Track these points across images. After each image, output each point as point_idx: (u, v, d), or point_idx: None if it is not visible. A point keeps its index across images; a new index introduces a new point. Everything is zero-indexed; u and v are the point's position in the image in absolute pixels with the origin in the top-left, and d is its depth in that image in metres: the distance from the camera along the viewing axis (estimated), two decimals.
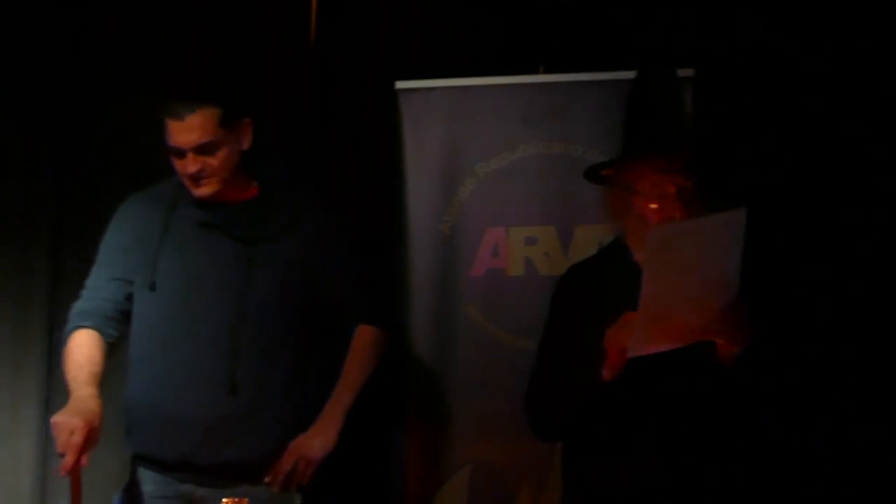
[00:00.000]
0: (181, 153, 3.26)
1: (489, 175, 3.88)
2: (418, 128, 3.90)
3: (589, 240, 3.76)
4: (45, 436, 4.05)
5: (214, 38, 4.19)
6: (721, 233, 2.75)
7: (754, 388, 2.88)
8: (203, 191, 3.30)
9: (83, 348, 3.30)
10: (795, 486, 3.63)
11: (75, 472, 3.08)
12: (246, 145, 3.34)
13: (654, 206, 2.91)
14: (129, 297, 3.37)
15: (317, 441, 3.26)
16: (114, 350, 3.37)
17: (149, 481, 3.33)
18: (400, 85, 3.92)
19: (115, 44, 4.21)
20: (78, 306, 3.39)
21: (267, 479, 3.25)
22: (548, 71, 3.91)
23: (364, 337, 3.40)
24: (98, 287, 3.40)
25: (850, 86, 3.88)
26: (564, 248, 3.80)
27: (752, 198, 3.03)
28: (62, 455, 3.07)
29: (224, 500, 2.66)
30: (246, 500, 2.68)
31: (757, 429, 2.97)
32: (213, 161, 3.27)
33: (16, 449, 4.09)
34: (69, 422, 3.07)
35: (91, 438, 3.09)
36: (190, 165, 3.25)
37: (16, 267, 4.15)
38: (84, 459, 3.08)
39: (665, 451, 2.90)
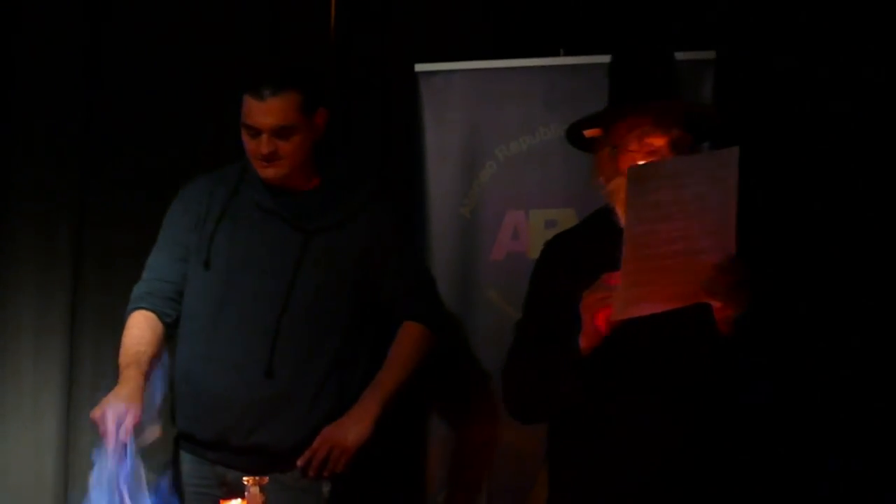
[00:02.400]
0: (256, 133, 3.28)
1: (509, 158, 3.87)
2: (438, 111, 3.89)
3: None
4: (68, 420, 4.10)
5: (235, 23, 4.19)
6: (711, 175, 2.46)
7: (754, 357, 2.65)
8: (271, 172, 3.33)
9: (133, 329, 3.34)
10: (794, 465, 3.54)
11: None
12: (318, 135, 3.37)
13: (641, 163, 2.69)
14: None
15: (352, 429, 3.27)
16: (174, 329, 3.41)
17: (186, 461, 3.39)
18: (420, 68, 3.91)
19: (137, 32, 4.23)
20: (138, 288, 3.43)
21: (299, 463, 3.25)
22: (568, 54, 3.89)
23: (411, 332, 3.41)
24: (158, 267, 3.43)
25: (873, 67, 3.85)
26: None
27: (753, 146, 2.81)
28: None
29: (245, 478, 2.67)
30: (266, 478, 2.69)
31: (755, 403, 2.77)
32: (286, 146, 3.29)
33: (39, 433, 4.11)
34: (112, 411, 3.08)
35: (133, 420, 3.09)
36: (264, 146, 3.28)
37: (38, 254, 4.17)
38: (125, 438, 3.07)
39: (653, 430, 2.70)
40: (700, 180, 2.45)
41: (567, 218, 3.79)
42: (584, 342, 2.63)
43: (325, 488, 3.32)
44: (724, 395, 2.73)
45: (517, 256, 3.83)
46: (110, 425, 3.07)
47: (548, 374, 2.75)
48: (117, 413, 3.08)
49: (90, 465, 3.84)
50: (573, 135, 2.95)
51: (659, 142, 2.72)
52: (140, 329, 3.34)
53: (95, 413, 3.12)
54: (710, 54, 3.72)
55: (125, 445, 3.09)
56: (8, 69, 4.21)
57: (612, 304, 2.53)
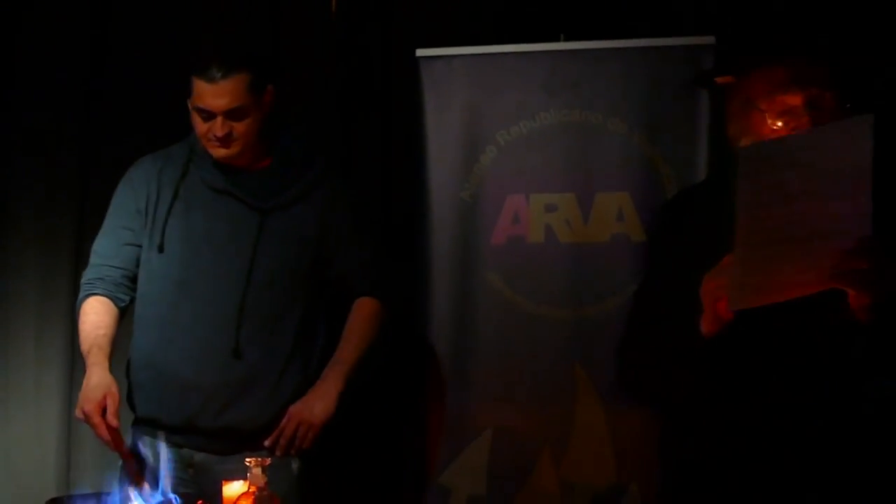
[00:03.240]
0: (209, 115, 3.27)
1: (510, 143, 3.87)
2: (439, 96, 3.89)
3: (609, 207, 3.77)
4: (69, 402, 4.11)
5: (237, 6, 4.19)
6: (839, 150, 2.17)
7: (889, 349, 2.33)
8: (224, 153, 3.32)
9: (91, 315, 3.33)
10: None
11: (117, 442, 3.17)
12: (267, 112, 3.35)
13: (777, 124, 2.39)
14: (138, 262, 3.39)
15: (317, 405, 3.28)
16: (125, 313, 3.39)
17: (146, 444, 3.31)
18: (421, 52, 3.90)
19: (138, 14, 4.22)
20: (88, 274, 3.42)
21: (267, 443, 3.26)
22: (569, 39, 3.90)
23: (363, 308, 3.42)
24: (105, 253, 3.41)
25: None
26: (584, 215, 3.80)
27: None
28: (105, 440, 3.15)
29: (248, 459, 2.68)
30: (269, 459, 2.71)
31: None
32: (240, 126, 3.29)
33: (40, 416, 4.13)
34: (88, 407, 3.13)
35: (115, 403, 3.15)
36: (218, 129, 3.27)
37: (39, 239, 4.18)
38: (113, 422, 3.14)
39: (778, 426, 2.42)
40: (826, 156, 2.18)
41: (567, 202, 3.80)
42: (705, 327, 2.37)
43: (295, 465, 3.34)
44: (860, 390, 2.43)
45: (517, 240, 3.84)
46: (96, 418, 3.12)
47: (663, 358, 2.50)
48: (97, 402, 3.13)
49: (92, 447, 3.89)
50: (706, 79, 2.73)
51: (794, 100, 2.39)
52: (97, 314, 3.33)
53: (78, 414, 3.17)
54: (709, 39, 3.73)
55: (118, 429, 3.13)
56: (8, 66, 4.22)
57: (727, 293, 2.29)
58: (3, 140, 4.21)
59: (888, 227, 2.22)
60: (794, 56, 2.42)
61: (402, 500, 3.86)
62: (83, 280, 3.41)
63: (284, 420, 3.27)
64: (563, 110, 3.83)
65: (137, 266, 3.39)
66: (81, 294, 3.39)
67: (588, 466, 3.73)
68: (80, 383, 4.01)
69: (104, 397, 3.13)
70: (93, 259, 3.43)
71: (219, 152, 3.32)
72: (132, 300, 3.40)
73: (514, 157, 3.86)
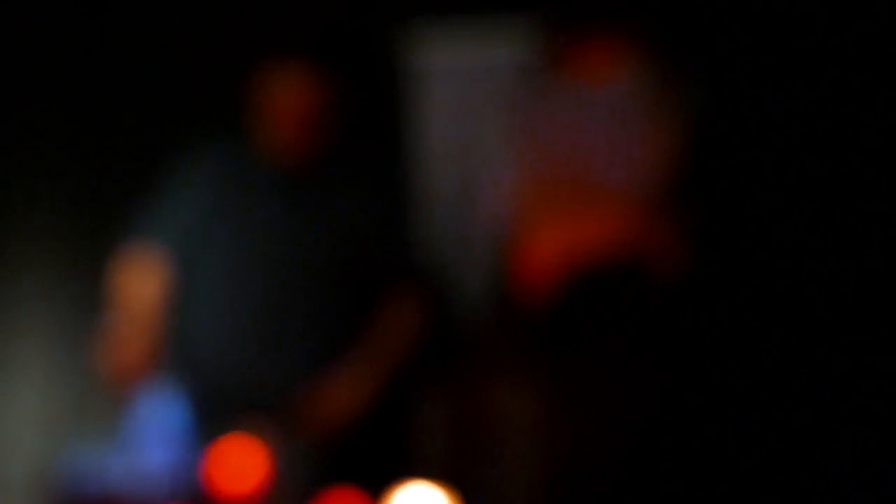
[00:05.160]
0: (284, 104, 3.36)
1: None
2: (434, 79, 3.89)
3: None
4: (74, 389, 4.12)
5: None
6: (632, 106, 2.18)
7: (695, 319, 2.42)
8: (289, 137, 3.39)
9: (147, 285, 3.39)
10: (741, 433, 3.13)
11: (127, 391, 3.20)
12: (335, 110, 3.44)
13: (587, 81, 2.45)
14: (182, 244, 3.45)
15: (349, 390, 3.34)
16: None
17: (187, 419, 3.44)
18: (415, 35, 3.90)
19: (140, 15, 4.24)
20: (146, 227, 3.46)
21: (296, 425, 3.32)
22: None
23: (403, 302, 3.46)
24: (158, 226, 3.47)
25: None
26: None
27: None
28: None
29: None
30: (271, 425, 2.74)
31: (696, 367, 2.53)
32: (311, 119, 3.38)
33: (46, 398, 4.14)
34: (125, 349, 3.21)
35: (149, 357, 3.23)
36: (291, 116, 3.37)
37: (45, 227, 4.19)
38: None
39: (591, 392, 2.56)
40: (631, 110, 2.19)
41: None
42: (525, 299, 2.50)
43: (318, 450, 3.36)
44: (664, 357, 2.50)
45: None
46: (126, 367, 3.16)
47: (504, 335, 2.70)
48: (132, 354, 3.21)
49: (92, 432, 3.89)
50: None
51: (599, 64, 2.47)
52: (151, 288, 3.38)
53: (103, 352, 3.20)
54: None
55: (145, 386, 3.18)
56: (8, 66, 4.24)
57: (533, 250, 2.37)
58: (4, 145, 4.23)
59: (690, 189, 2.24)
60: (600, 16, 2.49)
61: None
62: (141, 221, 3.47)
63: (314, 402, 3.33)
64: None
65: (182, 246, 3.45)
66: (138, 237, 3.44)
67: None
68: (82, 370, 4.11)
69: (143, 361, 3.18)
70: (143, 226, 3.49)
71: (284, 136, 3.39)
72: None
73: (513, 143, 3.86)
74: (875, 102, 3.27)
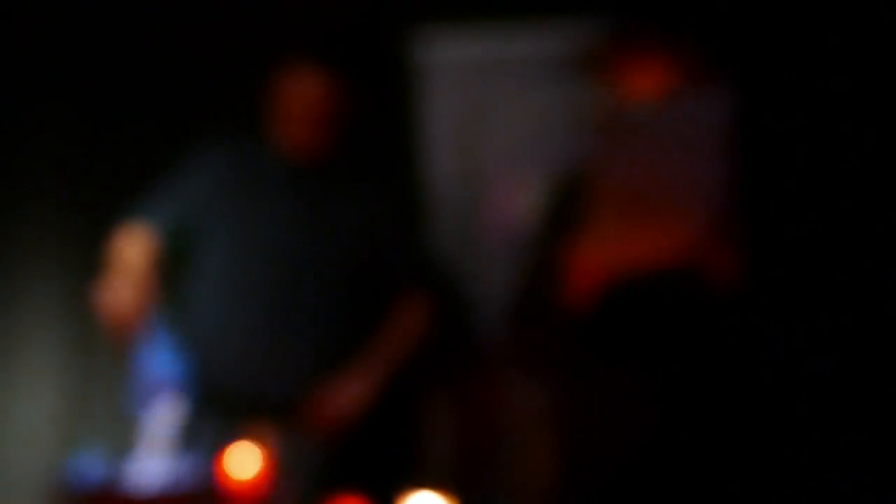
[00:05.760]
0: (299, 101, 3.41)
1: (509, 131, 3.94)
2: (438, 79, 3.96)
3: None
4: (77, 386, 4.17)
5: None
6: (698, 118, 2.22)
7: (751, 330, 2.43)
8: (303, 137, 3.44)
9: (138, 247, 3.43)
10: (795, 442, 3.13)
11: (126, 343, 3.21)
12: (348, 109, 3.49)
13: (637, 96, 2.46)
14: (189, 224, 3.50)
15: (354, 392, 3.38)
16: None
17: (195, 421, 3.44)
18: (419, 35, 3.97)
19: (143, 19, 4.26)
20: (145, 206, 3.51)
21: (305, 422, 3.36)
22: (566, 19, 3.92)
23: (413, 302, 3.51)
24: (171, 200, 3.53)
25: None
26: None
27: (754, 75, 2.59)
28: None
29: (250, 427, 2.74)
30: (272, 427, 2.75)
31: (752, 377, 2.52)
32: (322, 118, 3.43)
33: (45, 399, 4.17)
34: (114, 302, 3.23)
35: (138, 314, 3.25)
36: (304, 116, 3.42)
37: (44, 223, 4.22)
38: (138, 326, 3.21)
39: (644, 395, 2.52)
40: (683, 124, 2.23)
41: None
42: (571, 300, 2.47)
43: (325, 445, 3.42)
44: (721, 366, 2.51)
45: (516, 228, 3.88)
46: (119, 313, 3.20)
47: (533, 333, 2.64)
48: (123, 301, 3.23)
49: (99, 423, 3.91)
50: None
51: (647, 80, 2.47)
52: (144, 254, 3.42)
53: (98, 301, 3.24)
54: None
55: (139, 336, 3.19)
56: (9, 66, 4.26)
57: (586, 253, 2.37)
58: (7, 141, 4.26)
59: (746, 198, 2.29)
60: (654, 30, 2.51)
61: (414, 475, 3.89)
62: (143, 206, 3.51)
63: (321, 402, 3.38)
64: (561, 92, 3.86)
65: (184, 229, 3.50)
66: (138, 216, 3.50)
67: None
68: (83, 365, 4.15)
69: (132, 298, 3.21)
70: (149, 205, 3.53)
71: (298, 136, 3.44)
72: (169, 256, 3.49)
73: (514, 146, 3.92)
74: None
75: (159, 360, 3.18)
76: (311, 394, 3.39)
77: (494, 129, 3.94)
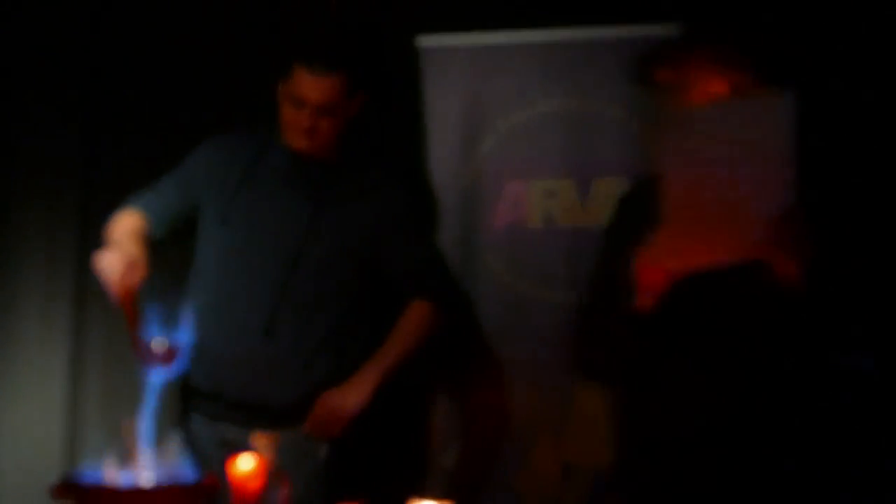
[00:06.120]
0: (301, 104, 3.37)
1: (509, 130, 3.92)
2: (440, 83, 3.94)
3: (607, 193, 3.82)
4: (74, 385, 4.16)
5: None
6: (760, 120, 2.26)
7: (821, 318, 2.46)
8: (304, 144, 3.42)
9: (127, 222, 3.40)
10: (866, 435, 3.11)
11: (126, 303, 3.14)
12: (352, 116, 3.47)
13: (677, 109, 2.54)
14: (186, 214, 3.49)
15: (350, 396, 3.35)
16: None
17: (194, 420, 3.49)
18: (422, 41, 3.97)
19: (141, 25, 4.25)
20: (137, 196, 3.50)
21: (304, 430, 3.34)
22: (567, 26, 3.93)
23: (418, 308, 3.48)
24: (163, 191, 3.51)
25: None
26: (583, 200, 3.85)
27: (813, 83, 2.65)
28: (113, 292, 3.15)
29: (255, 435, 2.73)
30: (277, 434, 2.75)
31: (824, 367, 2.57)
32: (325, 122, 3.39)
33: (45, 396, 4.17)
34: (107, 259, 3.15)
35: (136, 268, 3.16)
36: (306, 120, 3.37)
37: (45, 222, 4.22)
38: (133, 286, 3.14)
39: (714, 391, 2.57)
40: (747, 127, 2.28)
41: (566, 189, 3.85)
42: (639, 301, 2.51)
43: (323, 450, 3.40)
44: (791, 358, 2.56)
45: (517, 226, 3.90)
46: (114, 274, 3.12)
47: (604, 334, 2.68)
48: (120, 262, 3.13)
49: (98, 426, 3.91)
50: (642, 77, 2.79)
51: (713, 85, 2.55)
52: (135, 224, 3.39)
53: (97, 262, 3.17)
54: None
55: (135, 296, 3.12)
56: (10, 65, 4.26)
57: (654, 255, 2.42)
58: (5, 141, 4.24)
59: (807, 197, 2.34)
60: (717, 46, 2.58)
61: (415, 484, 3.90)
62: (132, 200, 3.48)
63: (316, 406, 3.35)
64: (561, 97, 3.88)
65: (180, 217, 3.48)
66: (124, 206, 3.47)
67: (588, 448, 3.78)
68: (86, 364, 4.15)
69: (131, 261, 3.16)
70: (147, 191, 3.51)
71: (300, 143, 3.42)
72: (159, 242, 3.46)
73: (514, 144, 3.91)
74: None
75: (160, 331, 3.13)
76: (312, 396, 3.36)
77: (496, 129, 3.93)
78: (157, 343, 2.95)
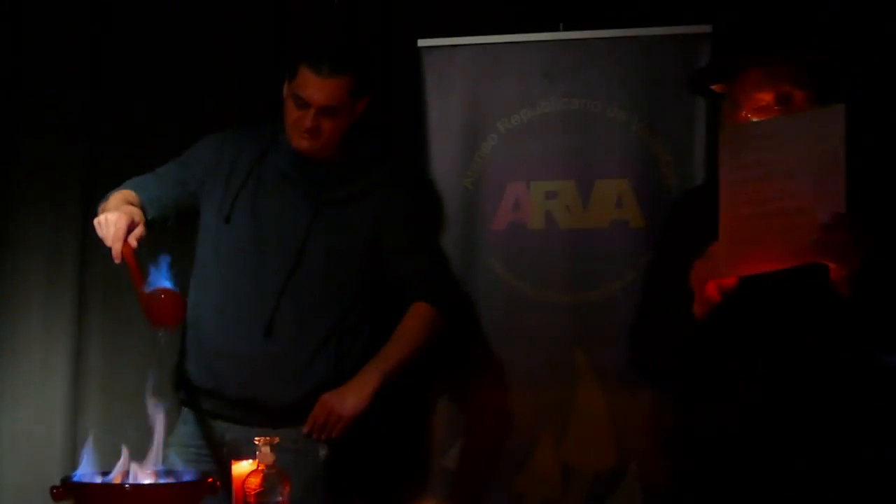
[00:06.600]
0: (304, 105, 3.38)
1: (510, 131, 3.92)
2: (440, 84, 3.94)
3: (608, 193, 3.82)
4: (76, 386, 4.16)
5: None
6: (813, 134, 2.39)
7: (874, 319, 2.53)
8: (306, 145, 3.43)
9: (121, 194, 3.38)
10: None
11: (129, 256, 3.14)
12: (355, 119, 3.48)
13: (753, 119, 2.63)
14: (180, 202, 3.48)
15: (350, 398, 3.34)
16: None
17: (190, 421, 3.48)
18: (423, 43, 3.96)
19: (141, 29, 4.26)
20: (134, 179, 3.49)
21: (304, 430, 3.34)
22: (568, 28, 3.94)
23: (419, 311, 3.48)
24: (161, 176, 3.51)
25: None
26: (584, 201, 3.85)
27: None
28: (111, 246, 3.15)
29: (256, 438, 2.73)
30: (277, 437, 2.76)
31: (879, 368, 2.63)
32: (329, 124, 3.40)
33: (46, 398, 4.17)
34: (106, 216, 3.17)
35: (135, 225, 3.18)
36: (309, 121, 3.38)
37: (47, 223, 4.22)
38: (133, 243, 3.15)
39: (771, 394, 2.62)
40: (802, 139, 2.41)
41: (567, 190, 3.85)
42: (697, 309, 2.58)
43: (322, 451, 3.39)
44: (845, 359, 2.63)
45: (518, 227, 3.89)
46: (113, 230, 3.12)
47: (665, 339, 2.74)
48: (121, 219, 3.14)
49: (99, 428, 3.92)
50: (698, 84, 2.90)
51: (766, 97, 2.65)
52: (127, 196, 3.38)
53: (97, 219, 3.18)
54: (706, 28, 3.78)
55: (134, 251, 3.13)
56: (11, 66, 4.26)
57: (715, 263, 2.49)
58: (6, 140, 4.25)
59: (859, 204, 2.41)
60: (770, 59, 2.66)
61: (416, 484, 3.89)
62: (126, 182, 3.48)
63: (316, 407, 3.34)
64: (562, 98, 3.88)
65: (176, 205, 3.48)
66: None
67: (588, 449, 3.78)
68: (87, 365, 4.16)
69: (131, 218, 3.17)
70: (146, 176, 3.51)
71: (301, 143, 3.43)
72: (152, 228, 3.42)
73: (515, 145, 3.91)
74: None
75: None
76: (312, 396, 3.36)
77: (497, 130, 3.93)
78: (161, 292, 2.96)
